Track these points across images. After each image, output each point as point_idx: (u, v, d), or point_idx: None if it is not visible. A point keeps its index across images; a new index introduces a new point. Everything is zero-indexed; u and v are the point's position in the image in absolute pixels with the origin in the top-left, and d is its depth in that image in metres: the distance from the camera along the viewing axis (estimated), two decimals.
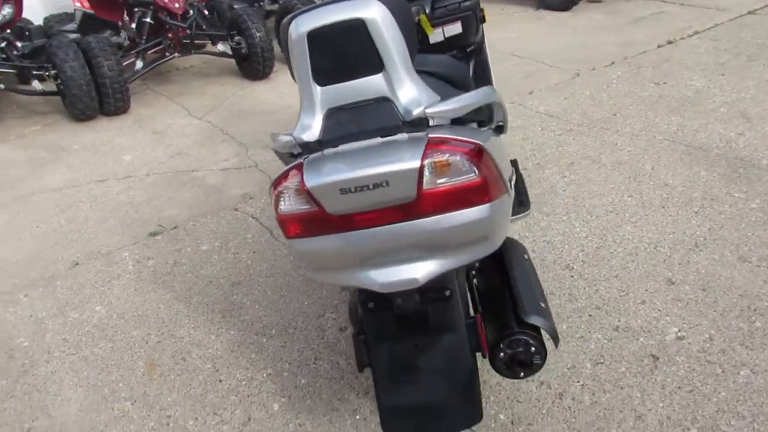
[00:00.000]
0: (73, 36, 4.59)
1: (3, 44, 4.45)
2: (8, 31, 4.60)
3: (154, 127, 4.23)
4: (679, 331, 1.96)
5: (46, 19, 5.46)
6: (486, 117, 1.54)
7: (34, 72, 4.26)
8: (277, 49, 4.73)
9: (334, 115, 1.22)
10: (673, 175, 2.82)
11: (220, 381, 1.98)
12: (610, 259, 2.33)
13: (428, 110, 1.16)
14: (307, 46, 1.18)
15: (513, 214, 1.87)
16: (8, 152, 4.04)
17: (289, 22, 1.22)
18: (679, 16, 5.13)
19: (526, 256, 1.76)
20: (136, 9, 4.72)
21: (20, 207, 3.29)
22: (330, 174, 1.16)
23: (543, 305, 1.52)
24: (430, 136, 1.17)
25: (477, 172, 1.16)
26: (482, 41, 2.74)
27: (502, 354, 1.42)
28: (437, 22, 2.37)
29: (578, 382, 1.83)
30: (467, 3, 2.35)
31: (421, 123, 1.19)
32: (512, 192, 1.39)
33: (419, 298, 1.33)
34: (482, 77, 2.72)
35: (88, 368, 2.09)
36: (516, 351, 1.41)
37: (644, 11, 5.40)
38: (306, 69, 1.20)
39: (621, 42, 4.71)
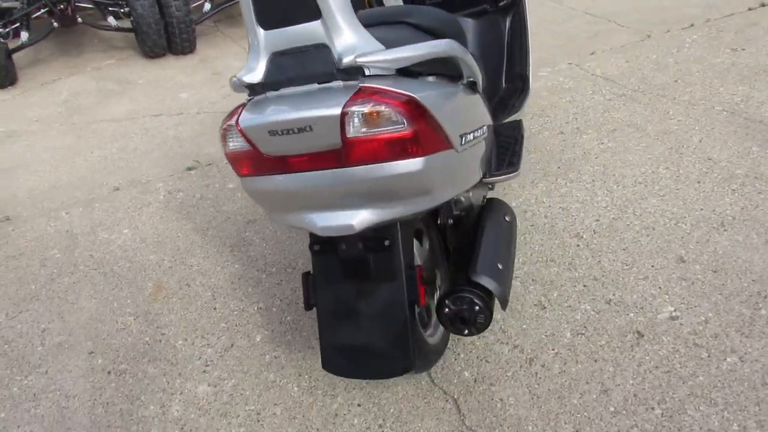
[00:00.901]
0: None
1: None
2: None
3: (214, 67, 4.39)
4: (675, 310, 1.87)
5: None
6: (457, 72, 1.49)
7: (110, 9, 4.50)
8: None
9: (277, 59, 1.23)
10: (720, 149, 2.61)
11: (215, 309, 2.10)
12: (624, 232, 2.23)
13: (359, 59, 1.15)
14: None
15: (498, 174, 1.83)
16: (83, 82, 4.34)
17: None
18: None
19: (507, 218, 1.73)
20: None
21: (82, 133, 3.56)
22: (259, 116, 1.19)
23: (500, 267, 1.49)
24: (361, 85, 1.16)
25: (406, 123, 1.14)
26: None
27: (446, 309, 1.42)
28: None
29: (553, 350, 1.80)
30: None
31: (355, 71, 1.18)
32: (464, 149, 1.35)
33: (362, 245, 1.35)
34: (518, 37, 2.61)
35: (105, 283, 2.28)
36: (460, 308, 1.41)
37: None
38: (249, 13, 1.22)
39: (708, 2, 4.32)
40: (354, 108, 1.13)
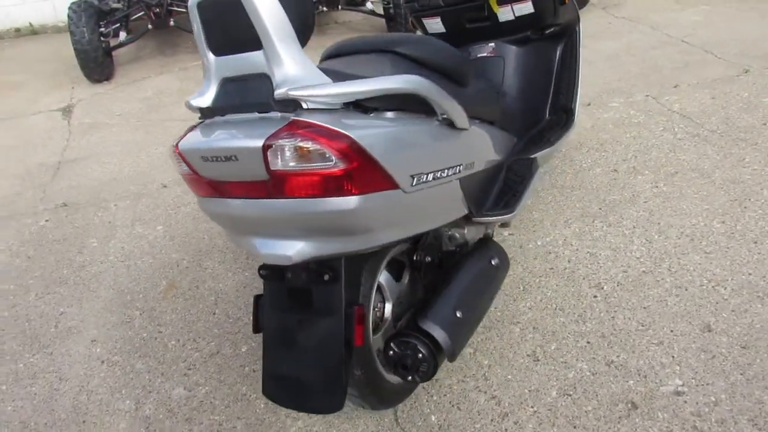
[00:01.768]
0: None
1: None
2: None
3: None
4: (682, 385, 1.66)
5: None
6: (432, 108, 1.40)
7: None
8: None
9: (226, 85, 1.23)
10: None
11: (214, 314, 2.14)
12: (651, 288, 2.02)
13: (292, 92, 1.11)
14: (198, 16, 1.20)
15: (490, 214, 1.72)
16: (168, 81, 4.63)
17: None
18: None
19: (493, 262, 1.62)
20: None
21: (153, 129, 3.79)
22: (195, 140, 1.20)
23: (459, 315, 1.40)
24: (294, 118, 1.13)
25: (336, 161, 1.09)
26: (572, 25, 2.47)
27: (390, 352, 1.35)
28: None
29: (532, 407, 1.66)
30: None
31: (291, 104, 1.14)
32: (417, 189, 1.27)
33: (305, 276, 1.31)
34: (567, 67, 2.46)
35: (126, 275, 2.40)
36: (403, 353, 1.33)
37: None
38: (201, 38, 1.22)
39: None
40: (279, 141, 1.09)
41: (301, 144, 1.08)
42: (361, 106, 1.22)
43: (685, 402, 1.60)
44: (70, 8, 4.37)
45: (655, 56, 4.07)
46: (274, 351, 1.39)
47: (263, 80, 1.15)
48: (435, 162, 1.31)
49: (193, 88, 4.42)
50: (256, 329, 1.44)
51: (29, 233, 2.76)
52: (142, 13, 4.63)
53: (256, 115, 1.19)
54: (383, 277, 1.54)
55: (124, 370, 1.94)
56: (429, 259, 1.60)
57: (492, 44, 2.39)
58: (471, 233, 1.78)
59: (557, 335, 1.88)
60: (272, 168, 1.11)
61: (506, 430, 1.60)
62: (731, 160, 2.69)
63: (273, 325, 1.39)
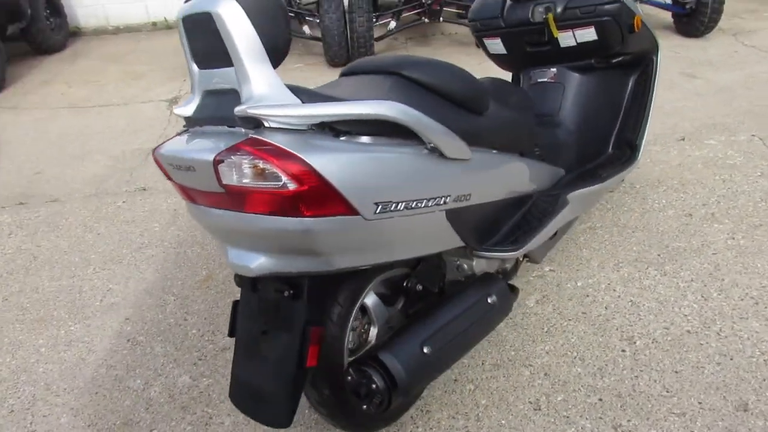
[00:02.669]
0: None
1: None
2: None
3: None
4: None
5: None
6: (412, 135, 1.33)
7: (307, 18, 4.96)
8: None
9: (207, 97, 1.26)
10: None
11: None
12: (691, 351, 1.81)
13: (250, 110, 1.11)
14: (183, 30, 1.25)
15: (493, 249, 1.61)
16: None
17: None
18: None
19: (489, 300, 1.53)
20: None
21: None
22: (167, 148, 1.24)
23: (426, 351, 1.33)
24: (251, 136, 1.13)
25: (285, 182, 1.08)
26: (648, 55, 2.27)
27: (349, 377, 1.32)
28: (567, 24, 2.08)
29: None
30: (607, 7, 1.99)
31: (253, 121, 1.14)
32: (382, 218, 1.22)
33: (273, 289, 1.32)
34: (638, 100, 2.28)
35: (173, 261, 2.54)
36: (359, 380, 1.29)
37: None
38: (186, 50, 1.27)
39: None
40: (230, 157, 1.11)
41: (250, 162, 1.09)
42: (334, 129, 1.20)
43: None
44: None
45: None
46: (241, 357, 1.41)
47: (234, 96, 1.17)
48: (410, 191, 1.26)
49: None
50: (231, 333, 1.46)
51: (105, 212, 3.01)
52: None
53: (226, 128, 1.22)
54: (371, 299, 1.51)
55: (144, 350, 2.06)
56: (420, 287, 1.54)
57: (554, 69, 2.26)
58: (481, 265, 1.69)
59: (568, 386, 1.74)
60: (224, 182, 1.13)
61: None
62: None
63: (243, 332, 1.41)
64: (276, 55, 1.17)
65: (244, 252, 1.26)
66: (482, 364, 1.85)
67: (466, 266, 1.67)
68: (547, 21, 2.08)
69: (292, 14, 5.05)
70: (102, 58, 6.08)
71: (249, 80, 1.13)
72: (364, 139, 1.23)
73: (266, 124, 1.14)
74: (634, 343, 1.87)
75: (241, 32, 1.12)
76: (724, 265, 2.17)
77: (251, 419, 1.45)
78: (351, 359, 1.40)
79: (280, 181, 1.09)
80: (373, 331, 1.53)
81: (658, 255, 2.27)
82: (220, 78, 1.21)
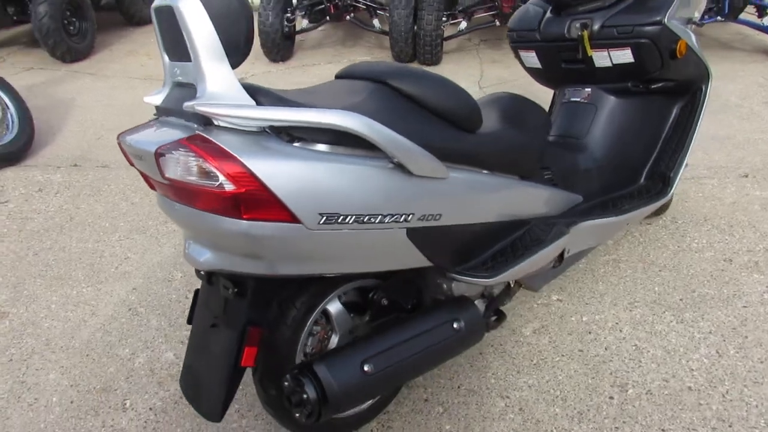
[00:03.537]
0: None
1: None
2: None
3: None
4: None
5: None
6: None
7: (378, 12, 4.94)
8: None
9: (175, 88, 1.26)
10: None
11: None
12: (687, 411, 1.65)
13: (198, 107, 1.09)
14: (155, 19, 1.25)
15: (464, 272, 1.52)
16: (331, 70, 4.85)
17: None
18: None
19: (456, 325, 1.46)
20: None
21: None
22: (128, 135, 1.25)
23: (366, 370, 1.28)
24: (196, 132, 1.12)
25: (223, 182, 1.06)
26: (697, 83, 2.10)
27: (285, 382, 1.29)
28: (603, 43, 1.95)
29: None
30: (647, 29, 1.85)
31: (204, 118, 1.13)
32: (327, 230, 1.17)
33: (223, 284, 1.31)
34: (680, 130, 2.11)
35: None
36: (291, 387, 1.26)
37: None
38: (158, 40, 1.27)
39: None
40: (171, 152, 1.10)
41: (188, 158, 1.09)
42: (290, 135, 1.18)
43: None
44: None
45: None
46: (192, 346, 1.42)
47: (192, 90, 1.17)
48: (363, 205, 1.21)
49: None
50: (189, 321, 1.48)
51: (144, 183, 3.13)
52: (322, 7, 4.94)
53: (182, 121, 1.22)
54: (334, 306, 1.47)
55: (140, 321, 2.12)
56: (386, 301, 1.49)
57: (588, 89, 2.13)
58: (460, 288, 1.61)
59: (540, 426, 1.63)
60: (167, 175, 1.13)
61: None
62: None
63: (197, 320, 1.42)
64: (236, 54, 1.15)
65: (197, 246, 1.27)
66: (458, 387, 1.78)
67: (445, 286, 1.60)
68: (581, 38, 1.95)
69: (364, 6, 5.06)
70: None
71: (204, 77, 1.12)
72: (320, 147, 1.20)
73: (216, 123, 1.13)
74: (626, 391, 1.73)
75: (199, 28, 1.11)
76: (752, 320, 1.97)
77: (194, 410, 1.45)
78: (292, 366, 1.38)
79: (217, 180, 1.08)
80: (335, 339, 1.50)
81: (680, 299, 2.09)
82: (181, 71, 1.21)
